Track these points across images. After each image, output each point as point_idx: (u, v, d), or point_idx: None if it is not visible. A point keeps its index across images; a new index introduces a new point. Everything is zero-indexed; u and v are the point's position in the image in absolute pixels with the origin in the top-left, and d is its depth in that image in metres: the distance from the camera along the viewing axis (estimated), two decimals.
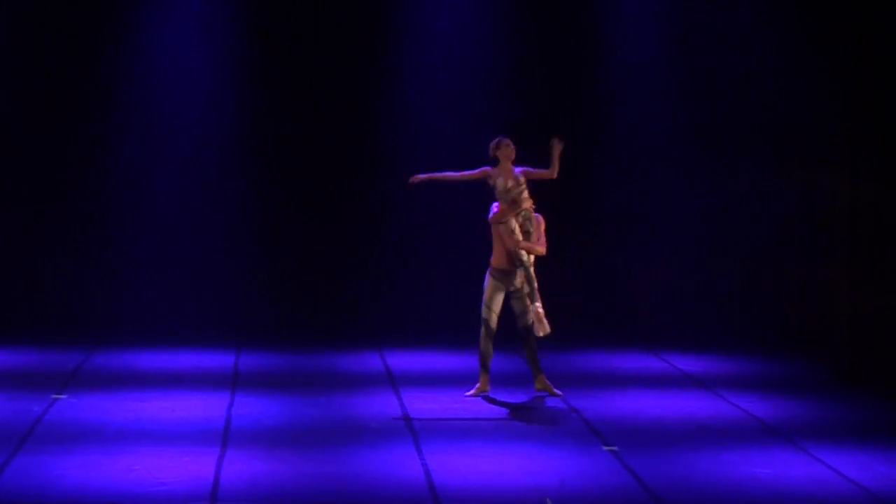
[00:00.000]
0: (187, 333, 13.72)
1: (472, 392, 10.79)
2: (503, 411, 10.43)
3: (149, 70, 14.25)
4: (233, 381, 11.45)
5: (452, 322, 14.03)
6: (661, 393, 11.35)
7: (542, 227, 10.82)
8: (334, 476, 8.41)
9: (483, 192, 14.53)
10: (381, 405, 10.52)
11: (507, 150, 10.76)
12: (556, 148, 10.68)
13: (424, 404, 10.56)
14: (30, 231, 14.21)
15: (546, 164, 10.74)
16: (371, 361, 12.55)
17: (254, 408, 10.35)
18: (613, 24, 14.64)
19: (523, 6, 14.61)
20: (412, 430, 9.66)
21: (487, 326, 10.73)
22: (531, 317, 10.67)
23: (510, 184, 10.70)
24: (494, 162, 10.80)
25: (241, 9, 14.39)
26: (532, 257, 10.73)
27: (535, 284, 10.69)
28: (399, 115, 14.51)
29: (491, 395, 10.89)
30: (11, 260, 14.18)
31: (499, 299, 10.74)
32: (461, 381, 11.21)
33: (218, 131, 14.47)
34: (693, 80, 14.62)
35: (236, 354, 12.76)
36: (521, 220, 10.70)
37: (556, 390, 10.89)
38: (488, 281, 10.78)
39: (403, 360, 12.47)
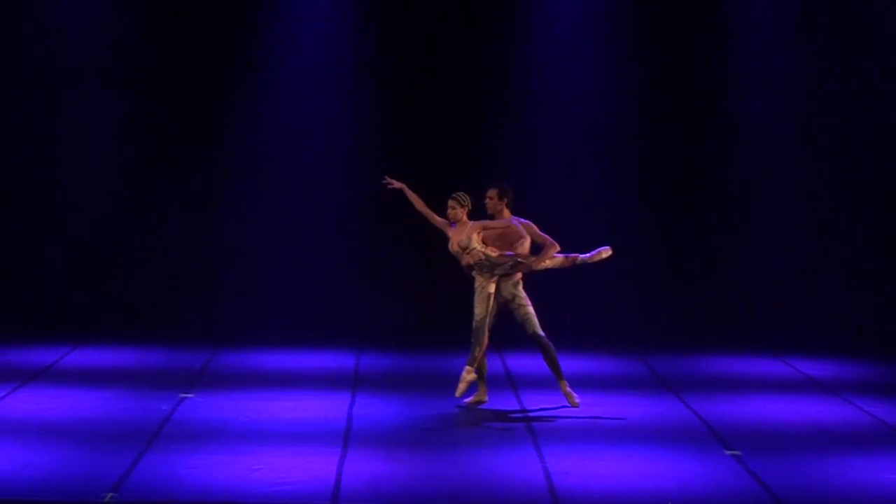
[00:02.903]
0: (309, 334, 13.88)
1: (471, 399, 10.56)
2: (624, 414, 10.34)
3: (275, 76, 14.45)
4: (354, 382, 11.55)
5: (575, 324, 13.99)
6: (786, 397, 11.17)
7: (534, 229, 10.36)
8: (455, 477, 8.42)
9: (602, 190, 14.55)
10: (501, 407, 10.52)
11: (448, 210, 10.40)
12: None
13: (545, 406, 10.53)
14: (159, 236, 14.50)
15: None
16: (491, 363, 12.52)
17: (374, 408, 10.42)
18: (740, 23, 14.49)
19: (645, 9, 14.54)
20: (532, 432, 9.64)
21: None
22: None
23: (455, 248, 10.35)
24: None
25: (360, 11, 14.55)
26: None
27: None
28: (509, 114, 14.53)
29: (611, 399, 10.82)
30: (143, 264, 14.47)
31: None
32: (581, 383, 11.14)
33: (337, 135, 14.62)
34: (809, 80, 14.42)
35: (357, 355, 12.86)
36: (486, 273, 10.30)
37: (467, 400, 10.53)
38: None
39: (523, 362, 12.45)
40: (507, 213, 10.49)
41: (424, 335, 13.94)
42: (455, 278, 14.63)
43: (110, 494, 7.84)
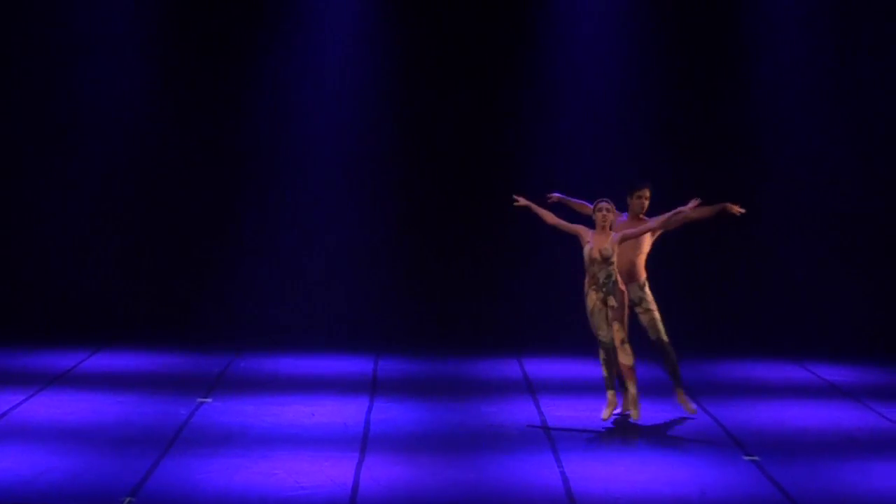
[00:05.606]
0: (327, 339, 13.89)
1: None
2: (642, 419, 10.31)
3: (304, 75, 14.50)
4: (372, 387, 11.55)
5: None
6: (805, 402, 11.14)
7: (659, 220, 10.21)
8: (473, 482, 8.42)
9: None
10: (520, 412, 10.51)
11: (599, 215, 10.02)
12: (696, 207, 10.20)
13: (563, 412, 10.52)
14: (178, 239, 14.53)
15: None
16: (510, 368, 12.53)
17: (393, 413, 10.42)
18: (765, 25, 14.47)
19: (668, 11, 14.53)
20: (550, 438, 9.63)
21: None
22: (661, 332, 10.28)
23: (595, 255, 9.98)
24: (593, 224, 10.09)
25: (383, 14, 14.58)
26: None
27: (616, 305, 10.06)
28: (541, 120, 14.51)
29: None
30: (162, 269, 14.51)
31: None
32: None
33: (360, 139, 14.63)
34: (838, 79, 14.39)
35: (375, 360, 12.86)
36: (602, 294, 10.00)
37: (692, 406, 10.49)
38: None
39: (542, 368, 12.44)
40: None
41: (443, 340, 13.93)
42: (477, 283, 14.69)
43: (128, 499, 7.86)
